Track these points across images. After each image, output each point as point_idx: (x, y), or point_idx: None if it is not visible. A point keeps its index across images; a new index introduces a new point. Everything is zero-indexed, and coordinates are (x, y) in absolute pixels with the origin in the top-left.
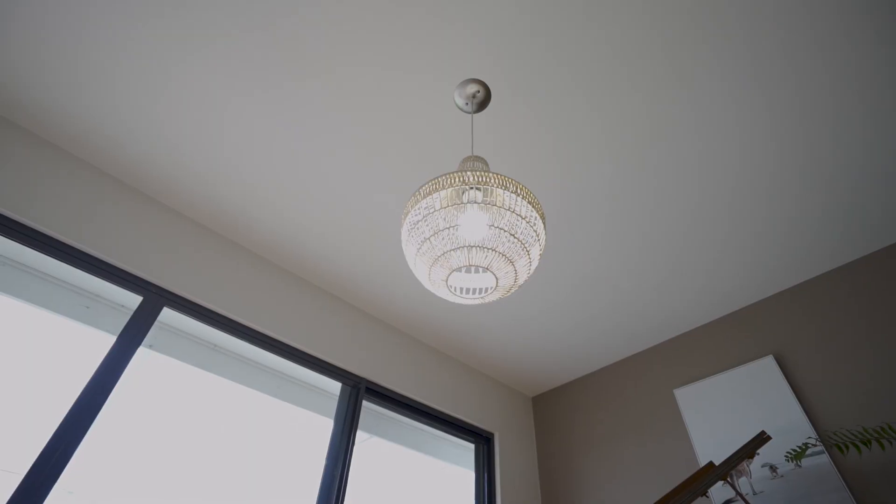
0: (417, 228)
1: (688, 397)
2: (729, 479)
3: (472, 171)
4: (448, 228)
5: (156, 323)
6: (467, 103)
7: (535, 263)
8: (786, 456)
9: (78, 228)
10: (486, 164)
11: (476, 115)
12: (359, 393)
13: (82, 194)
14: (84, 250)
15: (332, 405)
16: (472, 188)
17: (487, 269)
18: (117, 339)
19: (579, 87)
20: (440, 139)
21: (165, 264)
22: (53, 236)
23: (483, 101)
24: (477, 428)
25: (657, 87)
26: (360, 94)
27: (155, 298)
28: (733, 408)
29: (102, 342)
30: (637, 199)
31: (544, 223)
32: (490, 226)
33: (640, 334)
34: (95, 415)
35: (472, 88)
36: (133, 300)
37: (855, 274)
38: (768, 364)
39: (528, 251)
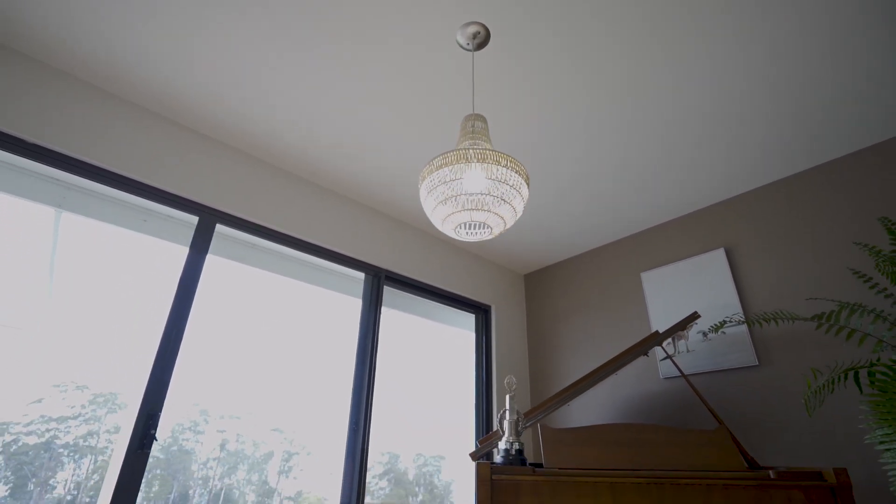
0: (436, 191)
1: (651, 280)
2: (672, 340)
3: (472, 139)
4: (455, 183)
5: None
6: (468, 43)
7: (519, 213)
8: (710, 327)
9: (149, 169)
10: (485, 121)
11: (476, 53)
12: (380, 280)
13: (150, 140)
14: (155, 185)
15: (359, 288)
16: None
17: (484, 223)
18: (189, 251)
19: (566, 25)
20: (444, 77)
21: (215, 189)
22: (130, 176)
23: (483, 42)
24: (477, 301)
25: (637, 35)
26: (377, 31)
27: (209, 218)
28: (685, 290)
29: (159, 247)
30: (615, 122)
31: (528, 183)
32: (487, 181)
33: (616, 227)
34: (189, 311)
35: (473, 29)
36: (178, 213)
37: (799, 184)
38: (719, 255)
39: (513, 206)
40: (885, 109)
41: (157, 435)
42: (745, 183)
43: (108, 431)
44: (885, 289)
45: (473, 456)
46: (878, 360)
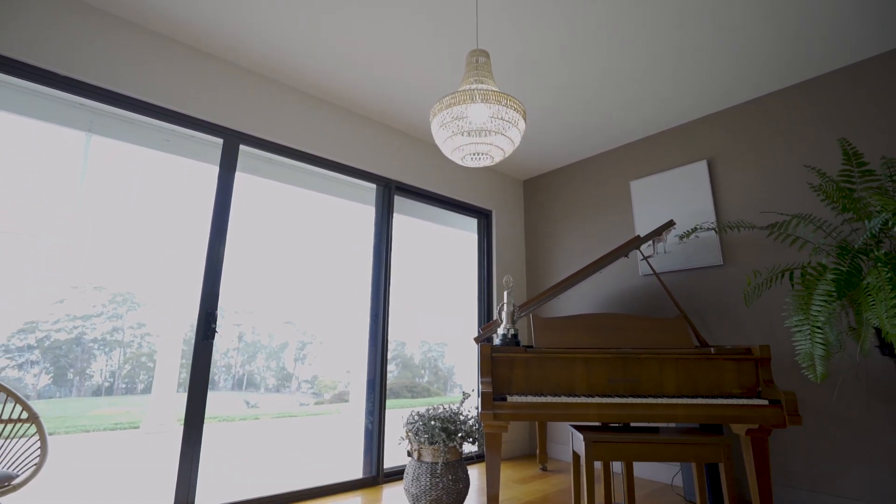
0: (446, 126)
1: (639, 188)
2: (651, 243)
3: (476, 76)
4: (462, 120)
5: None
6: None
7: (516, 144)
8: (684, 232)
9: (185, 97)
10: (488, 55)
11: None
12: (391, 190)
13: (182, 71)
14: (184, 112)
15: (372, 197)
16: (478, 100)
17: (487, 153)
18: (219, 170)
19: None
20: None
21: (238, 112)
22: (160, 105)
23: None
24: (479, 207)
25: None
26: None
27: (233, 140)
28: (669, 198)
29: (179, 164)
30: (612, 36)
31: (524, 117)
32: (489, 118)
33: (609, 137)
34: (227, 225)
35: None
36: (199, 133)
37: (781, 100)
38: (701, 167)
39: (511, 138)
40: (860, 26)
41: (217, 328)
42: (728, 98)
43: (131, 328)
44: (837, 203)
45: (477, 339)
46: (810, 263)
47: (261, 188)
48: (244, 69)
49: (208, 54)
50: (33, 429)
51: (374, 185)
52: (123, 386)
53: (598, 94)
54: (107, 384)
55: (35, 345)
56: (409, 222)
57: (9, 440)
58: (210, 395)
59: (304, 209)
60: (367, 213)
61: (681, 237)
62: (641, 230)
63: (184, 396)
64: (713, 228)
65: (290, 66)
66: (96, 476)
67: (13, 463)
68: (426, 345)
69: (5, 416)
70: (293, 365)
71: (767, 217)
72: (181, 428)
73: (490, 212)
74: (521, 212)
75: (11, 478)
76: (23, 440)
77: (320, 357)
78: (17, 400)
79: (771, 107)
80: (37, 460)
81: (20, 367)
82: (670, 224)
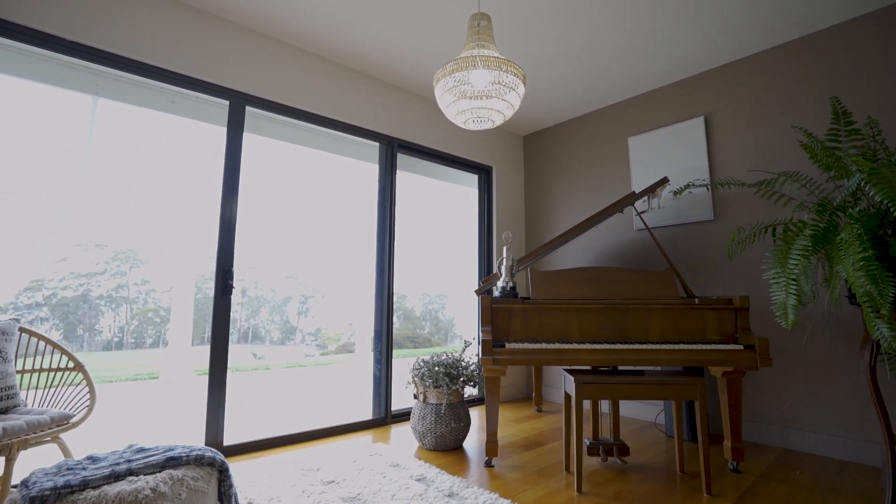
0: (449, 91)
1: (637, 144)
2: (647, 199)
3: (478, 40)
4: (465, 86)
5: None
6: None
7: (516, 107)
8: (678, 189)
9: (191, 59)
10: (490, 19)
11: None
12: (394, 148)
13: (187, 35)
14: (190, 75)
15: (375, 154)
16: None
17: (488, 117)
18: (227, 132)
19: None
20: None
21: (243, 74)
22: (165, 67)
23: None
24: (480, 163)
25: None
26: None
27: (238, 101)
28: (665, 154)
29: (188, 125)
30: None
31: (524, 82)
32: (490, 83)
33: (607, 93)
34: (238, 185)
35: None
36: (203, 95)
37: (774, 58)
38: (698, 123)
39: (511, 102)
40: None
41: (233, 283)
42: (721, 55)
43: (136, 284)
44: (821, 162)
45: (478, 292)
46: (791, 219)
47: (264, 147)
48: (249, 30)
49: (214, 16)
50: (80, 377)
51: (377, 144)
52: (132, 341)
53: (593, 48)
54: (116, 339)
55: (43, 302)
56: (412, 178)
57: (59, 388)
58: (199, 349)
59: (308, 167)
60: (369, 171)
61: (675, 193)
62: (638, 186)
63: (198, 349)
64: (705, 185)
65: (295, 27)
66: (133, 418)
67: (68, 405)
68: (427, 297)
69: (54, 366)
70: (297, 318)
71: (757, 175)
72: (199, 378)
73: (490, 168)
74: (521, 168)
75: (69, 417)
76: (70, 388)
77: (323, 310)
78: (63, 351)
79: (765, 64)
80: (87, 402)
81: (31, 323)
82: (664, 181)
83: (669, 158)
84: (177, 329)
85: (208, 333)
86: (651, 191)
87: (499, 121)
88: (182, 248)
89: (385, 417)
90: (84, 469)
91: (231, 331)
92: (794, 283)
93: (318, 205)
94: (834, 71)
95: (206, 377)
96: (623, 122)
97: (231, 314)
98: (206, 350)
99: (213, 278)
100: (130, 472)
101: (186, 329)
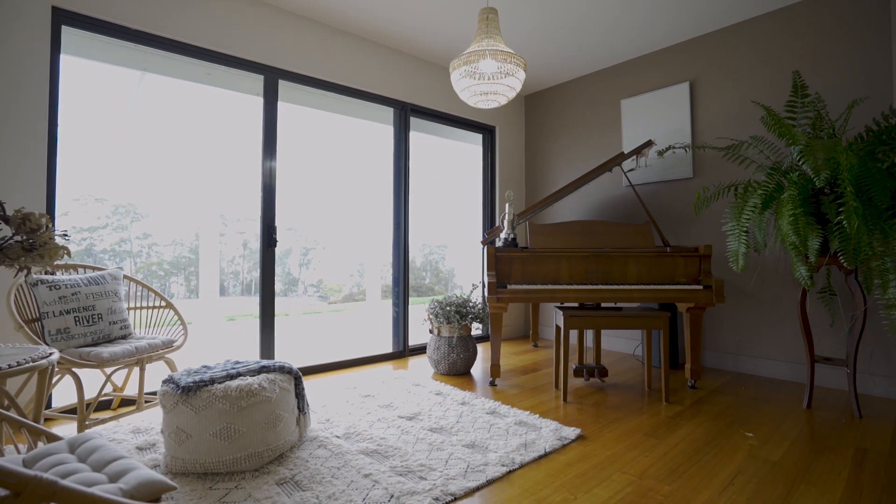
0: (463, 79)
1: (628, 107)
2: (634, 158)
3: (486, 33)
4: (477, 74)
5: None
6: None
7: (517, 90)
8: (662, 149)
9: (228, 39)
10: (496, 13)
11: None
12: (406, 112)
13: (225, 16)
14: (229, 53)
15: (390, 117)
16: (488, 57)
17: (494, 99)
18: (263, 105)
19: None
20: None
21: (276, 52)
22: (210, 48)
23: None
24: (483, 123)
25: None
26: None
27: (272, 76)
28: (653, 116)
29: (223, 96)
30: None
31: (525, 69)
32: (496, 71)
33: (601, 56)
34: (275, 151)
35: None
36: (241, 71)
37: (758, 27)
38: (683, 88)
39: (512, 86)
40: None
41: (276, 237)
42: (715, 20)
43: (138, 238)
44: (775, 131)
45: (483, 242)
46: (750, 181)
47: (283, 111)
48: (280, 9)
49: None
50: (171, 315)
51: (391, 109)
52: (140, 293)
53: (593, 10)
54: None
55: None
56: (420, 137)
57: (155, 328)
58: (224, 299)
59: (320, 129)
60: (382, 132)
61: (659, 153)
62: (629, 145)
63: (227, 299)
64: (685, 147)
65: (322, 3)
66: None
67: (167, 335)
68: (427, 247)
69: (151, 305)
70: (298, 270)
71: (724, 142)
72: (228, 323)
73: (494, 128)
74: (522, 128)
75: (173, 341)
76: (161, 328)
77: (325, 262)
78: (157, 294)
79: (748, 32)
80: (182, 332)
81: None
82: (649, 143)
83: (658, 120)
84: (206, 281)
85: (227, 285)
86: (637, 152)
87: (503, 101)
88: (201, 205)
89: (403, 350)
90: (206, 372)
91: (234, 283)
92: (745, 234)
93: (330, 163)
94: (809, 42)
95: (233, 323)
96: (617, 84)
97: (233, 266)
98: (230, 300)
99: (246, 234)
100: (239, 374)
101: (214, 280)
